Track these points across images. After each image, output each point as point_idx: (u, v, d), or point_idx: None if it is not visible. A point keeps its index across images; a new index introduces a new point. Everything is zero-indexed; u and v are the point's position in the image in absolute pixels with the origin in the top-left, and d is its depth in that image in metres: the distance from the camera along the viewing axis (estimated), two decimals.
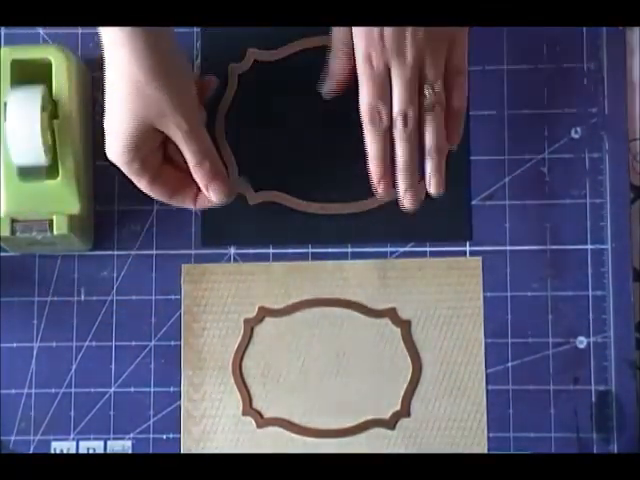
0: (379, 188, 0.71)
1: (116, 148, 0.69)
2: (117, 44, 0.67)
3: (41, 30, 0.77)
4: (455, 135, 0.72)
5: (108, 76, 0.69)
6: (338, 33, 0.72)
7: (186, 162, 0.71)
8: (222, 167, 0.73)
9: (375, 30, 0.68)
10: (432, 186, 0.71)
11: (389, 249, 0.76)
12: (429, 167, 0.71)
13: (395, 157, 0.70)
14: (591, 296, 0.75)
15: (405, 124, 0.70)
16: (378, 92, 0.70)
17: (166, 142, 0.71)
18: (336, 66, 0.73)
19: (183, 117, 0.69)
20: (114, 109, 0.69)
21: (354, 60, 0.70)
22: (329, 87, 0.74)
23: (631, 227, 0.75)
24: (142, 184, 0.71)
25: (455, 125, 0.72)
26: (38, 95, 0.69)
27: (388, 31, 0.68)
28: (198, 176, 0.72)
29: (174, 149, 0.71)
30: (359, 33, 0.69)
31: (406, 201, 0.70)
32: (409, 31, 0.68)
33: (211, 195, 0.72)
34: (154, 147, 0.71)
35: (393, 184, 0.70)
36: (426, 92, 0.70)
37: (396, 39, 0.70)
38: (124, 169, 0.70)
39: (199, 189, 0.73)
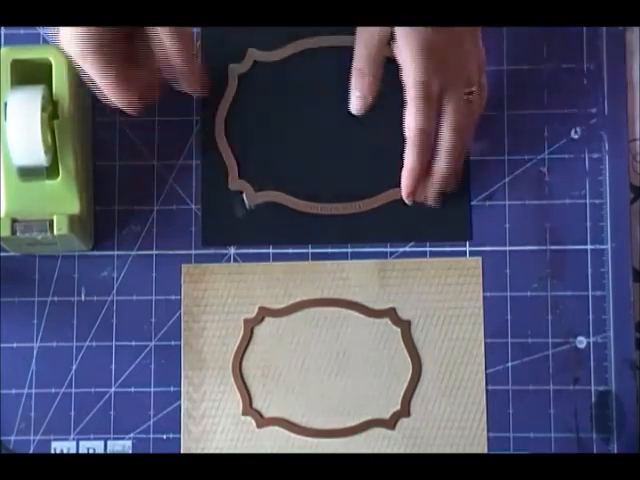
0: (406, 198, 0.73)
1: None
2: None
3: (41, 30, 0.77)
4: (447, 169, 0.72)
5: None
6: (363, 50, 0.69)
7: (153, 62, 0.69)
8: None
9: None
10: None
11: (389, 249, 0.76)
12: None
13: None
14: (591, 296, 0.75)
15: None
16: (425, 115, 0.69)
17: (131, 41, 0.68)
18: (366, 85, 0.70)
19: None
20: None
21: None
22: (361, 105, 0.70)
23: (631, 227, 0.75)
24: (106, 82, 0.68)
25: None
26: (38, 95, 0.69)
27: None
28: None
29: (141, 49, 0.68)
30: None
31: (432, 201, 0.74)
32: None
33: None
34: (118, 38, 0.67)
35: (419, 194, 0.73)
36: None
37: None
38: (83, 60, 0.66)
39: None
